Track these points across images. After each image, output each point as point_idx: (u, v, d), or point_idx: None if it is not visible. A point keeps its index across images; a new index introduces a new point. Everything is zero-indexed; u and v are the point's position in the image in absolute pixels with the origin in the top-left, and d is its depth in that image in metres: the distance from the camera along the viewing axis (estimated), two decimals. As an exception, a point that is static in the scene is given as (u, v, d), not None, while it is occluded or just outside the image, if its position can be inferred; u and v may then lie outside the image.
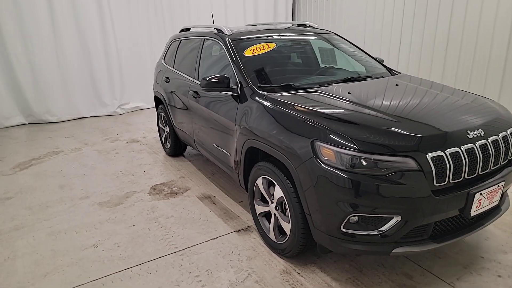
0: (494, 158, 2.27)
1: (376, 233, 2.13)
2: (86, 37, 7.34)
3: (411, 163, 2.03)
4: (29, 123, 7.42)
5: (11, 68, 6.91)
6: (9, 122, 7.25)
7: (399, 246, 2.16)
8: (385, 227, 2.11)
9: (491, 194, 2.24)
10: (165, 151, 5.22)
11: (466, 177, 2.16)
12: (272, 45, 3.39)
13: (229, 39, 3.40)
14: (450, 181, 2.10)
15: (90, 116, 7.82)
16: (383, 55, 7.32)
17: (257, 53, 3.27)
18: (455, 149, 2.11)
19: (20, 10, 6.69)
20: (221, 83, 3.01)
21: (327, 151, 2.15)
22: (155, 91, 5.10)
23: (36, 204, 3.79)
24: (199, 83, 3.59)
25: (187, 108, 3.98)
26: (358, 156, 2.06)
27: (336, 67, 3.75)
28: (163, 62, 4.96)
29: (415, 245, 2.18)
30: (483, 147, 2.21)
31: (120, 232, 3.21)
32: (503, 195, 2.61)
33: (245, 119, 2.85)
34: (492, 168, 2.28)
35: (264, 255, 2.78)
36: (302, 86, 3.00)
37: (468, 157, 2.13)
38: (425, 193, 2.03)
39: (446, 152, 2.08)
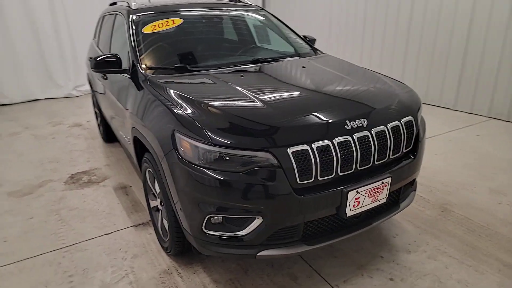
0: (379, 151, 2.03)
1: (238, 235, 1.92)
2: (34, 14, 6.96)
3: (269, 159, 1.80)
4: (-21, 105, 7.14)
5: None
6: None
7: (266, 249, 1.95)
8: (248, 229, 1.90)
9: (374, 192, 2.01)
10: (101, 137, 4.98)
11: (340, 174, 1.93)
12: (178, 21, 3.09)
13: (132, 14, 3.10)
14: (319, 178, 1.87)
15: (45, 98, 7.52)
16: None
17: (158, 29, 2.98)
18: (324, 142, 1.87)
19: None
20: (111, 64, 2.74)
21: (184, 144, 1.92)
22: (87, 73, 4.82)
23: None
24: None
25: (104, 92, 3.71)
26: (212, 150, 1.83)
27: (259, 46, 3.46)
28: (93, 40, 4.66)
29: (284, 247, 1.97)
30: (363, 140, 1.97)
31: (15, 225, 3.00)
32: (406, 190, 2.39)
33: (130, 103, 2.61)
34: (376, 163, 2.04)
35: (152, 253, 2.58)
36: (198, 68, 2.73)
37: (341, 151, 1.90)
38: (285, 191, 1.81)
39: (312, 146, 1.84)
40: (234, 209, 1.86)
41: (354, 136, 1.94)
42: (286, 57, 3.12)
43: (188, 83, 2.47)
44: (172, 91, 2.27)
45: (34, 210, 3.22)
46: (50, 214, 3.15)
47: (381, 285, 2.22)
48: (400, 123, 2.13)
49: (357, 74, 2.70)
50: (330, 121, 1.97)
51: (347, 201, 1.93)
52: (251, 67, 2.78)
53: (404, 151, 2.19)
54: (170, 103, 2.14)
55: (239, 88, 2.28)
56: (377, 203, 2.07)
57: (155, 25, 2.99)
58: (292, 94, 2.27)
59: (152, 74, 2.62)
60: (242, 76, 2.55)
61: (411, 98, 2.41)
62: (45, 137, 5.19)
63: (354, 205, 1.97)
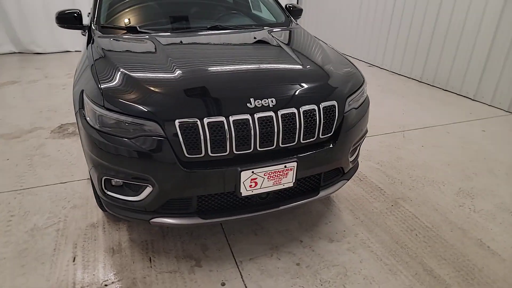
0: (285, 134, 1.94)
1: (134, 200, 1.98)
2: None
3: (156, 129, 1.81)
4: (19, 52, 7.69)
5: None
6: (1, 50, 7.56)
7: (159, 217, 2.00)
8: (141, 195, 1.95)
9: (275, 174, 1.96)
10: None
11: (236, 152, 1.89)
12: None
13: None
14: (210, 154, 1.85)
15: (75, 51, 7.93)
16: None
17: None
18: (218, 118, 1.82)
19: None
20: (71, 20, 2.82)
21: (87, 105, 1.97)
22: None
23: None
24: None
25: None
26: (104, 114, 1.86)
27: (236, 13, 3.36)
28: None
29: (177, 217, 2.01)
30: (265, 120, 1.89)
31: (-10, 164, 3.30)
32: (332, 178, 2.30)
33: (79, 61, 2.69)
34: (282, 146, 1.97)
35: (90, 207, 2.74)
36: (148, 30, 2.73)
37: (236, 129, 1.84)
38: (171, 163, 1.82)
39: (204, 120, 1.81)
40: (124, 174, 1.91)
41: (254, 116, 1.87)
42: (251, 26, 3.01)
43: (122, 45, 2.48)
44: (101, 51, 2.31)
45: (13, 153, 3.51)
46: (24, 158, 3.42)
47: (284, 268, 2.20)
48: (318, 107, 2.01)
49: (306, 52, 2.55)
50: (230, 97, 1.91)
51: (240, 181, 1.90)
52: (201, 34, 2.73)
53: (322, 137, 2.07)
54: (92, 64, 2.19)
55: (166, 54, 2.26)
56: (280, 186, 2.01)
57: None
58: (211, 67, 2.21)
59: (101, 33, 2.67)
60: (181, 42, 2.52)
61: (345, 82, 2.24)
62: (57, 87, 5.52)
63: (251, 185, 1.94)
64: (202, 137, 1.81)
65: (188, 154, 1.83)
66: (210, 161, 1.88)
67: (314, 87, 2.10)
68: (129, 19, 2.87)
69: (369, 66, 6.89)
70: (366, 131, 2.47)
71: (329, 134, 2.10)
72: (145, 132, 1.82)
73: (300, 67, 2.27)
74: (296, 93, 2.02)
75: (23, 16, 7.28)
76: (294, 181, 2.03)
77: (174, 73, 2.03)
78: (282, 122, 1.92)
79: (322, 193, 2.25)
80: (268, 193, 2.09)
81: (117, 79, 2.01)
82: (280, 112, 1.92)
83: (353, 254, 2.33)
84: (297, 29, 3.09)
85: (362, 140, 2.46)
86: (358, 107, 2.27)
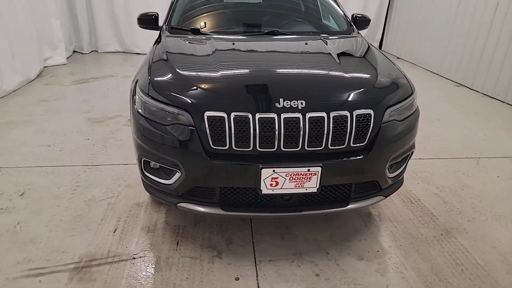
0: (311, 137, 1.92)
1: (165, 182, 2.13)
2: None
3: (187, 118, 1.93)
4: (122, 51, 8.72)
5: (111, 1, 8.08)
6: (108, 48, 8.65)
7: (185, 202, 2.12)
8: (172, 179, 2.09)
9: (297, 177, 1.94)
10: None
11: (260, 149, 1.92)
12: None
13: None
14: (234, 147, 1.91)
15: (169, 53, 8.69)
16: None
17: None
18: (244, 114, 1.88)
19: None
20: (148, 21, 3.15)
21: (137, 93, 2.19)
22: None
23: (51, 109, 4.71)
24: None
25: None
26: (148, 101, 2.05)
27: (300, 21, 3.39)
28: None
29: (201, 205, 2.10)
30: (291, 121, 1.89)
31: (76, 141, 3.82)
32: (365, 190, 2.19)
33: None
34: (308, 149, 1.94)
35: (141, 188, 2.93)
36: (210, 33, 2.91)
37: (261, 127, 1.88)
38: (197, 151, 1.92)
39: (231, 115, 1.88)
40: (157, 157, 2.07)
41: (281, 116, 1.89)
42: (309, 33, 3.01)
43: (184, 44, 2.68)
44: (163, 49, 2.54)
45: (94, 135, 4.00)
46: (101, 140, 3.87)
47: (302, 276, 2.15)
48: (351, 114, 1.94)
49: (354, 59, 2.49)
50: (260, 96, 1.95)
51: (261, 178, 1.92)
52: (256, 38, 2.83)
53: (353, 145, 1.99)
54: (152, 60, 2.42)
55: (217, 56, 2.39)
56: (302, 190, 1.98)
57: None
58: (250, 68, 2.30)
59: (169, 33, 2.92)
60: (233, 43, 2.64)
61: (388, 91, 2.12)
62: (145, 83, 6.12)
63: (272, 184, 1.95)
64: (227, 131, 1.88)
65: (213, 145, 1.92)
66: (234, 155, 1.94)
67: (350, 93, 2.03)
68: (195, 22, 3.10)
69: (457, 86, 6.30)
70: (412, 148, 2.30)
71: (363, 144, 2.00)
72: (179, 121, 1.96)
73: (341, 73, 2.21)
74: (329, 98, 1.98)
75: (129, 19, 8.21)
76: (318, 187, 1.98)
77: (217, 73, 2.14)
78: (309, 125, 1.90)
79: (352, 206, 2.15)
80: (292, 195, 2.07)
81: (166, 73, 2.20)
82: (308, 115, 1.90)
83: (381, 276, 2.17)
84: (355, 37, 3.00)
85: (407, 156, 2.29)
86: (402, 120, 2.12)
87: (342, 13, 3.30)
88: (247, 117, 1.88)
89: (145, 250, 2.32)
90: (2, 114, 4.52)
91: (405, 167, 2.36)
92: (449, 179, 3.28)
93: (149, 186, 2.25)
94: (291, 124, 1.89)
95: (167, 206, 2.73)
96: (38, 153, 3.53)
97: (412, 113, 2.22)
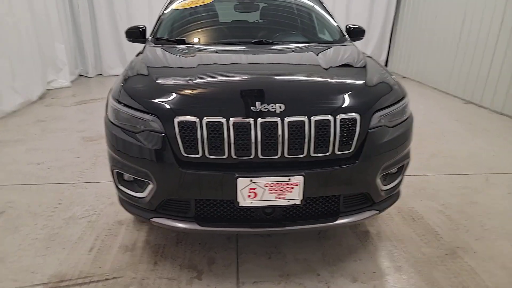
0: (291, 144, 1.76)
1: (138, 196, 1.98)
2: None
3: (157, 124, 1.80)
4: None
5: (115, 25, 8.23)
6: (113, 72, 8.72)
7: (159, 217, 1.96)
8: (145, 192, 1.94)
9: (278, 187, 1.77)
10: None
11: (235, 157, 1.77)
12: (208, 0, 3.22)
13: None
14: (207, 155, 1.76)
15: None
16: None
17: (186, 6, 3.17)
18: (217, 119, 1.74)
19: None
20: (136, 34, 3.09)
21: (109, 101, 2.09)
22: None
23: (47, 128, 4.66)
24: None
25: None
26: (118, 108, 1.94)
27: (293, 32, 3.28)
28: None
29: (176, 220, 1.94)
30: (268, 126, 1.74)
31: (65, 158, 3.72)
32: (356, 204, 2.00)
33: None
34: (288, 156, 1.78)
35: (125, 204, 2.85)
36: (194, 43, 2.82)
37: (236, 132, 1.73)
38: (168, 160, 1.78)
39: (203, 120, 1.74)
40: (128, 168, 1.93)
41: (257, 120, 1.74)
42: (299, 42, 2.91)
43: (163, 52, 2.58)
44: (141, 57, 2.45)
45: (85, 153, 3.90)
46: (91, 157, 3.77)
47: (288, 300, 1.94)
48: (334, 118, 1.78)
49: (340, 64, 2.37)
50: (235, 99, 1.81)
51: (237, 188, 1.76)
52: (241, 46, 2.74)
53: (338, 152, 1.82)
54: (128, 67, 2.33)
55: (195, 61, 2.28)
56: (284, 202, 1.81)
57: (186, 3, 3.20)
58: (227, 72, 2.21)
59: (153, 44, 2.85)
60: (217, 52, 2.54)
61: (375, 94, 1.97)
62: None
63: (250, 195, 1.78)
64: (199, 137, 1.74)
65: (185, 153, 1.77)
66: (208, 164, 1.79)
67: (333, 96, 1.88)
68: (182, 33, 3.02)
69: (466, 104, 6.09)
70: (407, 158, 2.11)
71: (349, 151, 1.83)
72: (150, 127, 1.83)
73: (325, 76, 2.07)
74: (310, 101, 1.84)
75: (132, 43, 8.28)
76: (301, 198, 1.80)
77: (192, 77, 2.02)
78: (288, 131, 1.74)
79: (341, 220, 1.95)
80: (274, 209, 1.89)
81: (139, 80, 2.11)
82: (287, 120, 1.75)
83: (376, 300, 1.94)
84: (346, 45, 2.87)
85: (402, 167, 2.11)
86: (393, 126, 1.95)
87: (335, 23, 3.20)
88: (220, 122, 1.74)
89: (120, 270, 2.14)
90: (-3, 133, 4.49)
91: (401, 180, 2.17)
92: (456, 195, 3.05)
93: (123, 200, 2.10)
94: (269, 130, 1.74)
95: (150, 224, 2.56)
96: (25, 171, 3.43)
97: (405, 120, 2.05)
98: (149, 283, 2.05)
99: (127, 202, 2.08)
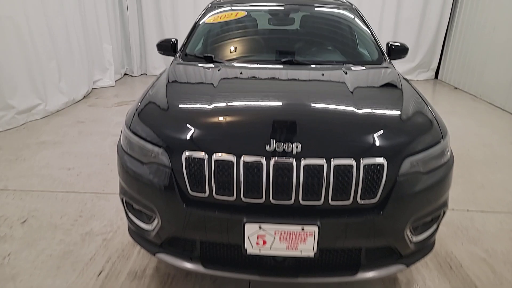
0: (306, 188, 1.57)
1: (146, 228, 1.89)
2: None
3: (163, 157, 1.68)
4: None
5: (161, 27, 8.32)
6: (156, 72, 8.88)
7: (164, 253, 1.85)
8: (152, 225, 1.85)
9: (289, 236, 1.59)
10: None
11: (244, 199, 1.61)
12: (242, 14, 3.07)
13: (210, 4, 3.28)
14: (215, 195, 1.62)
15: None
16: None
17: (218, 20, 3.05)
18: (227, 156, 1.59)
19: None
20: (167, 47, 3.03)
21: (123, 126, 2.01)
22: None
23: (85, 130, 4.78)
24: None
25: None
26: (128, 136, 1.85)
27: (330, 48, 3.06)
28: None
29: (180, 258, 1.82)
30: (282, 168, 1.56)
31: (94, 164, 3.78)
32: (380, 257, 1.77)
33: None
34: (302, 202, 1.59)
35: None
36: (223, 60, 2.69)
37: (246, 172, 1.57)
38: (172, 197, 1.66)
39: (212, 156, 1.60)
40: (134, 199, 1.84)
41: (270, 160, 1.57)
42: (332, 62, 2.68)
43: (188, 72, 2.48)
44: (164, 76, 2.36)
45: (115, 159, 3.90)
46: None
47: None
48: (357, 162, 1.57)
49: (372, 94, 2.11)
50: (248, 135, 1.65)
51: (245, 234, 1.60)
52: (269, 67, 2.56)
53: (361, 202, 1.60)
54: (148, 87, 2.24)
55: (217, 84, 2.15)
56: (296, 253, 1.63)
57: (218, 16, 3.08)
58: (246, 102, 2.03)
59: (182, 60, 2.75)
60: (241, 73, 2.39)
61: (409, 135, 1.72)
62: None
63: (258, 243, 1.62)
64: (207, 175, 1.60)
65: (191, 190, 1.64)
66: (215, 204, 1.65)
67: (357, 136, 1.66)
68: (212, 49, 2.91)
69: (526, 123, 5.49)
70: (444, 206, 1.84)
71: (373, 200, 1.61)
72: (158, 160, 1.72)
73: (351, 108, 1.85)
74: (330, 141, 1.63)
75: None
76: (316, 251, 1.61)
77: (208, 106, 1.88)
78: (304, 174, 1.56)
79: (362, 275, 1.73)
80: (286, 257, 1.71)
81: (154, 105, 2.00)
82: (303, 162, 1.56)
83: None
84: (383, 68, 2.60)
85: (437, 216, 1.84)
86: (429, 172, 1.70)
87: (374, 41, 2.92)
88: (230, 160, 1.58)
89: (125, 300, 2.06)
90: (39, 133, 4.66)
91: (436, 230, 1.90)
92: (504, 241, 2.69)
93: (130, 229, 2.02)
94: (283, 172, 1.57)
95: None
96: (56, 176, 3.50)
97: (443, 164, 1.78)
98: (152, 318, 1.95)
99: (135, 232, 2.00)
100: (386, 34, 7.79)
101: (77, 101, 6.18)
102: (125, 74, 8.59)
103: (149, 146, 1.74)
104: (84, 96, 6.48)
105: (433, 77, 8.44)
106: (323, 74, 2.41)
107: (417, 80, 8.26)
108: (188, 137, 1.69)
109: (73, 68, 6.08)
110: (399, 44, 2.96)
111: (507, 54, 6.09)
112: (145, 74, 8.77)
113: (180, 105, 1.98)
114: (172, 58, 3.27)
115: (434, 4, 7.74)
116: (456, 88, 7.59)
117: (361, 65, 2.67)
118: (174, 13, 8.11)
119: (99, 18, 7.10)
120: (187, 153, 1.63)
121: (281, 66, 2.57)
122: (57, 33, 5.64)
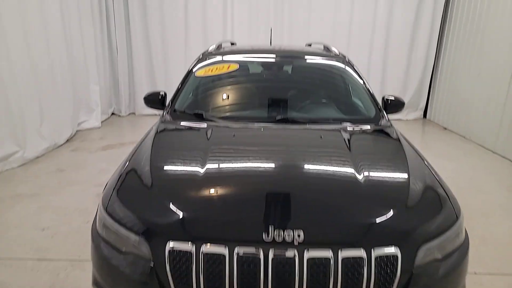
0: (310, 285, 1.36)
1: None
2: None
3: (142, 247, 1.46)
4: (158, 114, 8.68)
5: (151, 67, 8.21)
6: (145, 111, 8.54)
7: None
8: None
9: None
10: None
11: (239, 298, 1.38)
12: (234, 67, 2.95)
13: (202, 56, 3.16)
14: (203, 293, 1.39)
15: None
16: None
17: (209, 74, 2.92)
18: (218, 248, 1.37)
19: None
20: (154, 101, 2.86)
21: (99, 205, 1.79)
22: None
23: (65, 180, 4.50)
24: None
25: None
26: (104, 218, 1.63)
27: (325, 102, 2.94)
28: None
29: None
30: (283, 261, 1.35)
31: (72, 222, 3.49)
32: None
33: None
34: None
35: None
36: (215, 118, 2.52)
37: (240, 267, 1.36)
38: None
39: (202, 248, 1.38)
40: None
41: (269, 253, 1.36)
42: (328, 120, 2.53)
43: (174, 136, 2.31)
44: (148, 141, 2.17)
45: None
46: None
47: None
48: (366, 252, 1.37)
49: (378, 167, 1.92)
50: (240, 222, 1.45)
51: None
52: (262, 127, 2.39)
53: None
54: (130, 154, 2.05)
55: (206, 152, 1.96)
56: None
57: (210, 69, 2.96)
58: (241, 183, 1.79)
59: (169, 116, 2.58)
60: (234, 135, 2.22)
61: (422, 218, 1.54)
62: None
63: None
64: (194, 269, 1.38)
65: (175, 287, 1.41)
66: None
67: (366, 220, 1.47)
68: (200, 105, 2.76)
69: (520, 167, 5.42)
70: None
71: (387, 297, 1.40)
72: (136, 250, 1.49)
73: (358, 188, 1.66)
74: (336, 226, 1.44)
75: (166, 84, 8.16)
76: None
77: (199, 185, 1.68)
78: (308, 270, 1.35)
79: None
80: None
81: (135, 181, 1.79)
82: (307, 254, 1.35)
83: None
84: (383, 130, 2.45)
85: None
86: (446, 256, 1.51)
87: (370, 96, 2.81)
88: (221, 253, 1.37)
89: None
90: (16, 184, 4.36)
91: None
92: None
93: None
94: (283, 267, 1.36)
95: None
96: (28, 238, 3.20)
97: (459, 246, 1.60)
98: None
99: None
100: (375, 75, 7.88)
101: (60, 145, 5.91)
102: (113, 113, 8.36)
103: (127, 232, 1.51)
104: (67, 140, 6.21)
105: (422, 116, 8.47)
106: (321, 137, 2.24)
107: (407, 120, 8.27)
108: (173, 223, 1.48)
109: (57, 111, 5.83)
110: (393, 99, 2.85)
111: (493, 99, 6.14)
112: (134, 113, 8.56)
113: (165, 183, 1.76)
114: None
115: (419, 48, 7.92)
116: (445, 128, 7.60)
117: (359, 123, 2.53)
118: (164, 50, 8.04)
119: (87, 57, 6.93)
120: (171, 244, 1.41)
121: (276, 127, 2.40)
122: (42, 74, 5.43)
